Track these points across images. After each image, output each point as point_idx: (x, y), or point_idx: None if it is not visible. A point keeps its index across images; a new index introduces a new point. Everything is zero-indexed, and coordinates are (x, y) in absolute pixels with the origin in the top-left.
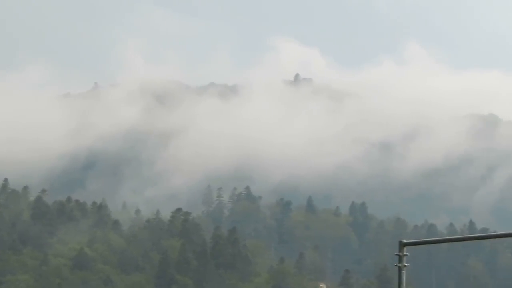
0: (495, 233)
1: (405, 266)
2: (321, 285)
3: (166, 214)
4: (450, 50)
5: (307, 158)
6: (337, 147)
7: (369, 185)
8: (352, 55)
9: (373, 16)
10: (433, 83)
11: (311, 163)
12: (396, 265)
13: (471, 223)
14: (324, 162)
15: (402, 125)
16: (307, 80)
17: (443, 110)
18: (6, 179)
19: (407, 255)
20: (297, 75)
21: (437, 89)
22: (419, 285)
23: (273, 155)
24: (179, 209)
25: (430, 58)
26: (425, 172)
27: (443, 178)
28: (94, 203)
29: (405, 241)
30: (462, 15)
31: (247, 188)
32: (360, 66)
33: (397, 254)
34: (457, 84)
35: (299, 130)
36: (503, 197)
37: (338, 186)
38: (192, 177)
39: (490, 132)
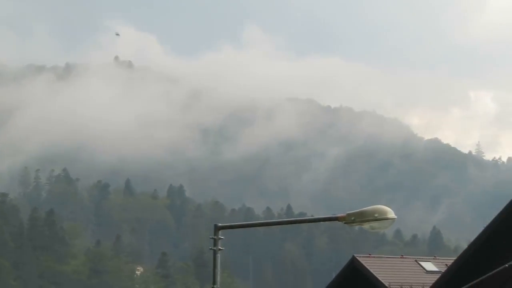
0: (312, 217)
1: (220, 249)
2: (138, 267)
3: None
4: (290, 36)
5: (135, 142)
6: (167, 131)
7: (192, 168)
8: (191, 42)
9: (212, 2)
10: (272, 69)
11: (137, 146)
12: (211, 249)
13: (289, 207)
14: (151, 145)
15: (237, 111)
16: (143, 65)
17: (280, 96)
18: None
19: (222, 238)
20: (132, 60)
21: (275, 75)
22: (236, 268)
23: (100, 138)
24: None
25: (271, 43)
26: (251, 157)
27: (269, 164)
28: None
29: (220, 224)
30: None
31: (65, 170)
32: (198, 53)
33: (212, 238)
34: (296, 71)
35: (131, 114)
36: (324, 183)
37: (161, 169)
38: (14, 159)
39: (325, 118)
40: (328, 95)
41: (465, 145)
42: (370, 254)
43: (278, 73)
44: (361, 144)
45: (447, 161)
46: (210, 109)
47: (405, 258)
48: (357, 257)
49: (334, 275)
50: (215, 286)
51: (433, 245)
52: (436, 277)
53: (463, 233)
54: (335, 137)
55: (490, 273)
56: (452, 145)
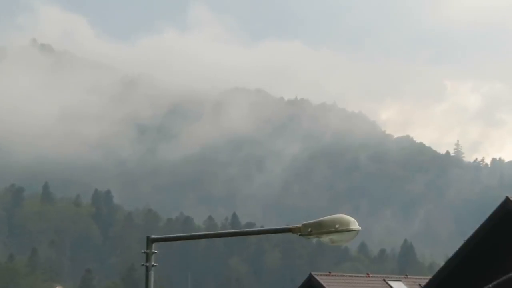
0: (262, 228)
1: (153, 265)
2: (57, 287)
3: None
4: (243, 17)
5: (56, 138)
6: (95, 127)
7: (123, 171)
8: (127, 24)
9: None
10: (221, 55)
11: (59, 144)
12: (143, 265)
13: (235, 216)
14: (75, 143)
15: (178, 103)
16: (66, 50)
17: (229, 86)
18: None
19: (156, 252)
20: (53, 43)
21: (224, 62)
22: (173, 287)
23: (15, 134)
24: None
25: (220, 25)
26: (193, 157)
27: (213, 165)
28: None
29: (153, 236)
30: None
31: None
32: (135, 37)
33: (144, 252)
34: (249, 57)
35: (53, 106)
36: (279, 188)
37: (86, 171)
38: None
39: (281, 113)
40: (285, 85)
41: (442, 145)
42: (330, 272)
43: (228, 59)
44: (322, 143)
45: (421, 162)
46: (147, 101)
47: (372, 277)
48: (315, 275)
49: None
50: None
51: (404, 261)
52: None
53: (440, 248)
54: (293, 135)
55: None
56: (427, 144)
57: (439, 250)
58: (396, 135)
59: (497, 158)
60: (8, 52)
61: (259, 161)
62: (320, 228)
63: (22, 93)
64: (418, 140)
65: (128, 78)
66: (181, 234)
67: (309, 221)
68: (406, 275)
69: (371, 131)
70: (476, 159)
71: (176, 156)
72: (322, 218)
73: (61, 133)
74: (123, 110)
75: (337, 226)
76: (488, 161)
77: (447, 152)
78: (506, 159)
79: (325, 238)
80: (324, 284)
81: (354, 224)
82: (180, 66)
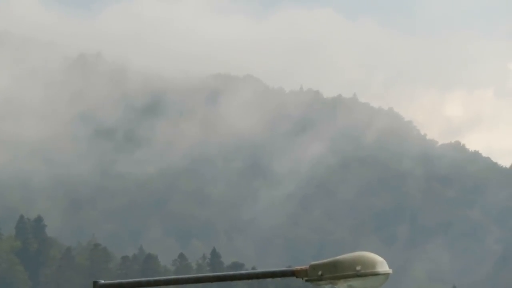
0: (254, 271)
1: None
2: None
3: None
4: None
5: None
6: (30, 124)
7: (61, 188)
8: None
9: None
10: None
11: None
12: None
13: (215, 254)
14: None
15: (154, 94)
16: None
17: (227, 70)
18: None
19: None
20: None
21: (221, 36)
22: None
23: None
24: None
25: None
26: (164, 170)
27: (190, 180)
28: None
29: (102, 282)
30: None
31: None
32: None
33: None
34: (257, 32)
35: None
36: (276, 215)
37: (9, 188)
38: None
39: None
40: (302, 75)
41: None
42: None
43: (228, 35)
44: (353, 148)
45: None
46: (106, 91)
47: None
48: None
49: None
50: None
51: None
52: None
53: None
54: (314, 136)
55: None
56: (484, 154)
57: None
58: (441, 141)
59: None
60: None
61: (258, 172)
62: (334, 271)
63: None
64: (471, 147)
65: (83, 58)
66: (140, 279)
67: (319, 261)
68: None
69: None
70: None
71: (139, 168)
72: (338, 257)
73: None
74: (72, 103)
75: (358, 268)
76: None
77: None
78: None
79: (342, 285)
80: None
81: (383, 266)
82: (158, 44)
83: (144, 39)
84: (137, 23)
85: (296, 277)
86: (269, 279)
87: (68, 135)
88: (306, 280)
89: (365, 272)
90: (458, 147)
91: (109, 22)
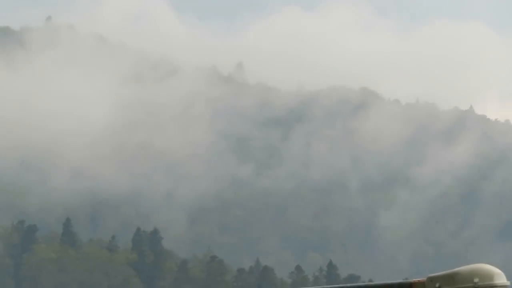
0: (371, 283)
1: None
2: None
3: None
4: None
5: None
6: None
7: (192, 197)
8: None
9: None
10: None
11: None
12: None
13: (332, 266)
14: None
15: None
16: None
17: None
18: None
19: None
20: None
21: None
22: None
23: None
24: None
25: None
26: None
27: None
28: None
29: None
30: None
31: None
32: None
33: None
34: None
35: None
36: (403, 226)
37: (122, 198)
38: None
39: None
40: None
41: None
42: None
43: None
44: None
45: None
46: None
47: None
48: None
49: None
50: None
51: None
52: None
53: None
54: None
55: None
56: None
57: None
58: None
59: None
60: None
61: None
62: (452, 283)
63: None
64: None
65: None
66: None
67: (437, 273)
68: None
69: None
70: None
71: (280, 183)
72: (456, 269)
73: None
74: (213, 119)
75: (476, 280)
76: None
77: None
78: None
79: None
80: None
81: (500, 278)
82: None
83: (287, 53)
84: (282, 38)
85: None
86: None
87: (202, 148)
88: None
89: (483, 285)
90: None
91: (253, 37)
